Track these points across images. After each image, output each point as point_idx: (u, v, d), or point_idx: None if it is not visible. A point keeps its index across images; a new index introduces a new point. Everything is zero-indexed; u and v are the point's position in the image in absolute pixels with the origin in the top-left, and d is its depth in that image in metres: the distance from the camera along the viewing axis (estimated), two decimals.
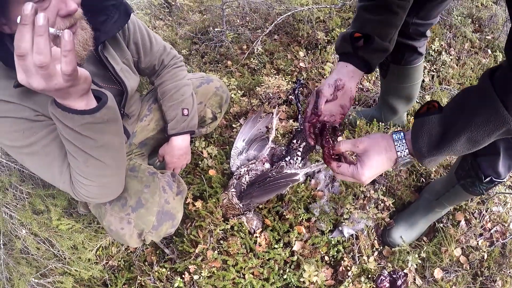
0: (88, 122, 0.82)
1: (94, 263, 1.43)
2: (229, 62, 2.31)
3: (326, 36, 2.32)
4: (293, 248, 1.46)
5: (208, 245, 1.46)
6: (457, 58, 2.26)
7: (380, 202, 1.56)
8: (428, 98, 1.99)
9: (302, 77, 2.12)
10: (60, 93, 0.73)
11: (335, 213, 1.53)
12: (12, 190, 1.27)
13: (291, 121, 1.89)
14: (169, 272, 1.45)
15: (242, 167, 1.58)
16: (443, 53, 2.23)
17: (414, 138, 0.77)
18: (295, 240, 1.47)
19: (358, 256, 1.45)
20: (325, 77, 2.09)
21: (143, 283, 1.43)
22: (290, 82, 2.09)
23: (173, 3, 3.01)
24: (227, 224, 1.49)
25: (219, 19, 2.61)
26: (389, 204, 1.55)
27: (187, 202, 1.55)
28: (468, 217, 1.56)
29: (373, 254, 1.46)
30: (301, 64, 2.21)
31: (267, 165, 1.59)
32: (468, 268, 1.45)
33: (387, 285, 1.38)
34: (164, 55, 1.37)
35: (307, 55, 2.26)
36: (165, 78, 1.39)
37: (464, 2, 2.57)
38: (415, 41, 1.36)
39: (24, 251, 1.30)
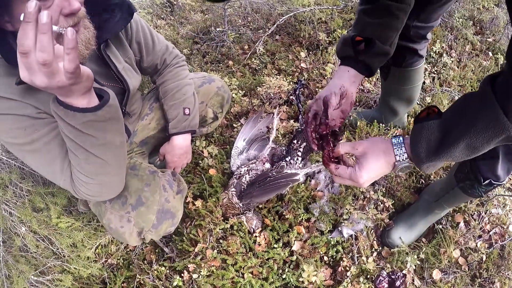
0: (90, 120, 0.82)
1: (93, 261, 1.44)
2: (231, 62, 2.31)
3: (327, 37, 2.32)
4: (293, 248, 1.46)
5: (207, 244, 1.46)
6: (458, 60, 2.27)
7: (380, 203, 1.56)
8: (428, 100, 1.99)
9: (303, 78, 2.12)
10: (62, 90, 0.73)
11: (335, 214, 1.54)
12: (12, 188, 1.27)
13: (291, 121, 1.90)
14: (168, 271, 1.45)
15: (243, 166, 1.58)
16: (444, 55, 2.23)
17: (413, 143, 0.77)
18: (294, 240, 1.47)
19: (357, 257, 1.45)
20: (326, 77, 2.09)
21: (142, 282, 1.43)
22: (291, 83, 2.10)
23: (175, 3, 3.01)
24: (226, 223, 1.49)
25: (220, 19, 2.61)
26: (389, 205, 1.55)
27: (187, 201, 1.55)
28: (467, 219, 1.56)
29: (372, 255, 1.46)
30: (302, 65, 2.21)
31: (268, 165, 1.59)
32: (467, 270, 1.45)
33: (386, 285, 1.38)
34: (166, 54, 1.38)
35: (308, 55, 2.27)
36: (167, 77, 1.40)
37: (466, 4, 2.57)
38: (416, 44, 1.37)
39: (23, 249, 1.31)
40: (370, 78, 2.14)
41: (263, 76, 2.13)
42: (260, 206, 1.56)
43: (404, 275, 1.41)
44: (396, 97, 1.63)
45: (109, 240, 1.50)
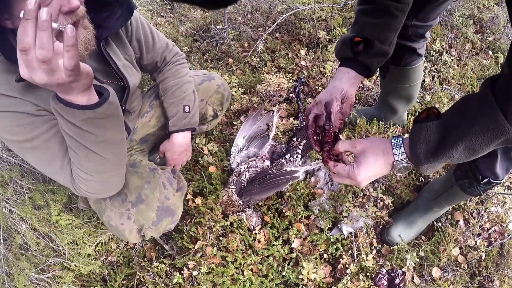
0: (89, 117, 0.82)
1: (94, 258, 1.44)
2: (231, 60, 2.31)
3: (327, 35, 2.32)
4: (292, 245, 1.47)
5: (207, 241, 1.46)
6: (458, 58, 2.27)
7: (379, 200, 1.56)
8: (428, 98, 1.99)
9: (303, 76, 2.12)
10: (62, 88, 0.73)
11: (334, 211, 1.54)
12: (12, 185, 1.28)
13: (291, 119, 1.90)
14: (168, 268, 1.46)
15: (242, 164, 1.58)
16: (444, 53, 2.23)
17: (412, 143, 0.77)
18: (294, 237, 1.48)
19: (357, 254, 1.45)
20: (325, 75, 2.09)
21: (142, 279, 1.44)
22: (291, 80, 2.10)
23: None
24: (226, 220, 1.49)
25: (220, 16, 2.61)
26: (388, 203, 1.55)
27: (187, 198, 1.55)
28: (466, 217, 1.57)
29: (371, 252, 1.47)
30: (302, 63, 2.21)
31: (267, 163, 1.59)
32: (466, 268, 1.46)
33: (385, 283, 1.39)
34: (167, 52, 1.37)
35: (308, 53, 2.27)
36: (167, 75, 1.40)
37: (466, 3, 2.57)
38: (415, 43, 1.36)
39: (23, 247, 1.31)
40: None
41: (263, 74, 2.13)
42: (260, 203, 1.57)
43: (404, 273, 1.41)
44: (395, 96, 1.63)
45: (109, 237, 1.50)
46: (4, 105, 0.87)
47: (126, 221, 1.15)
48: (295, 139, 1.65)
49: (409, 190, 1.61)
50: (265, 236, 1.50)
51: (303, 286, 1.39)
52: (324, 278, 1.40)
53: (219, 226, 1.48)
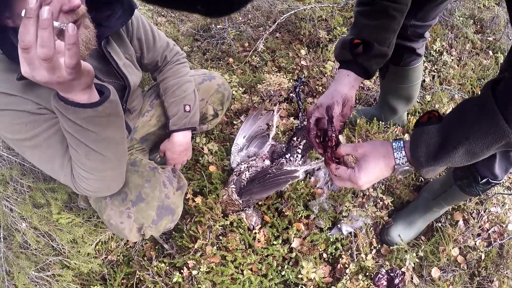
0: (90, 116, 0.82)
1: (94, 257, 1.44)
2: (231, 59, 2.31)
3: (328, 35, 2.32)
4: (292, 245, 1.47)
5: (207, 240, 1.46)
6: (458, 58, 2.27)
7: (379, 200, 1.57)
8: (428, 98, 1.99)
9: (303, 75, 2.12)
10: (63, 86, 0.73)
11: (334, 211, 1.54)
12: (13, 184, 1.28)
13: (291, 118, 1.90)
14: (168, 267, 1.46)
15: (242, 163, 1.58)
16: (444, 53, 2.23)
17: (413, 147, 0.77)
18: (293, 237, 1.48)
19: (356, 254, 1.45)
20: (326, 75, 2.09)
21: (141, 278, 1.44)
22: (291, 80, 2.10)
23: None
24: (226, 220, 1.49)
25: None
26: (388, 203, 1.55)
27: (187, 197, 1.55)
28: (466, 217, 1.57)
29: (371, 252, 1.47)
30: (303, 62, 2.21)
31: (267, 162, 1.59)
32: (466, 268, 1.46)
33: (385, 283, 1.39)
34: (167, 51, 1.38)
35: (308, 53, 2.27)
36: (167, 74, 1.40)
37: (466, 3, 2.57)
38: (414, 43, 1.36)
39: (23, 245, 1.31)
40: None
41: (263, 74, 2.13)
42: (260, 203, 1.57)
43: (403, 273, 1.41)
44: (395, 96, 1.63)
45: (109, 236, 1.50)
46: (4, 103, 0.88)
47: (126, 220, 1.15)
48: (295, 138, 1.65)
49: (408, 190, 1.61)
50: (264, 236, 1.50)
51: (303, 286, 1.39)
52: (323, 277, 1.41)
53: (219, 226, 1.49)
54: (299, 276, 1.39)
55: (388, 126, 1.78)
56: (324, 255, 1.47)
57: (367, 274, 1.42)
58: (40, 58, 0.64)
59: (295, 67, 2.20)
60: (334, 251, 1.46)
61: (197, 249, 1.45)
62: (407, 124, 1.84)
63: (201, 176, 1.65)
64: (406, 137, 1.81)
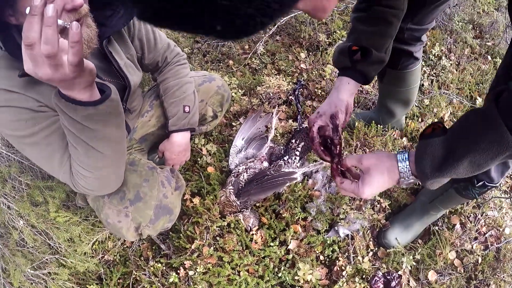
0: (91, 114, 0.83)
1: (90, 256, 1.44)
2: (231, 62, 2.32)
3: (327, 38, 2.33)
4: (289, 247, 1.47)
5: (204, 241, 1.46)
6: (457, 63, 2.28)
7: (376, 203, 1.57)
8: (427, 102, 2.00)
9: (302, 78, 2.13)
10: (65, 83, 0.74)
11: (331, 213, 1.54)
12: (11, 181, 1.28)
13: (290, 121, 1.91)
14: (164, 268, 1.46)
15: (241, 165, 1.59)
16: (443, 58, 2.25)
17: (418, 160, 0.76)
18: (290, 239, 1.48)
19: (353, 256, 1.46)
20: (325, 78, 2.10)
21: (138, 278, 1.44)
22: (290, 83, 2.11)
23: None
24: (224, 221, 1.50)
25: None
26: (385, 206, 1.56)
27: (185, 198, 1.56)
28: (463, 221, 1.57)
29: (368, 255, 1.47)
30: (302, 66, 2.22)
31: (266, 164, 1.60)
32: (462, 272, 1.46)
33: (381, 286, 1.39)
34: (168, 52, 1.38)
35: (308, 56, 2.28)
36: (167, 75, 1.40)
37: (466, 8, 2.59)
38: (411, 46, 1.37)
39: (20, 243, 1.31)
40: None
41: (263, 76, 2.14)
42: (257, 204, 1.57)
43: (400, 276, 1.42)
44: (393, 99, 1.63)
45: (106, 236, 1.50)
46: (5, 100, 0.88)
47: (123, 219, 1.15)
48: (293, 141, 1.65)
49: (406, 193, 1.62)
50: (262, 237, 1.50)
51: None
52: (320, 280, 1.41)
53: (216, 226, 1.49)
54: (296, 278, 1.39)
55: (386, 129, 1.79)
56: (321, 257, 1.47)
57: (364, 276, 1.42)
58: (44, 55, 0.65)
59: (295, 70, 2.21)
60: (331, 253, 1.46)
61: (194, 249, 1.45)
62: (405, 128, 1.85)
63: (199, 177, 1.66)
64: (404, 140, 1.81)
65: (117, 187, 1.11)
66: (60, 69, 0.69)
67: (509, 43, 0.84)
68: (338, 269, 1.43)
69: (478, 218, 1.57)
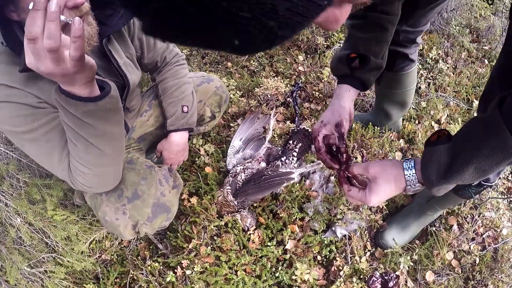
0: (91, 110, 0.84)
1: (87, 255, 1.44)
2: (229, 64, 2.34)
3: (325, 41, 2.35)
4: (286, 247, 1.47)
5: (201, 241, 1.46)
6: (453, 66, 2.30)
7: None
8: (424, 104, 2.02)
9: (300, 81, 2.15)
10: (66, 78, 0.75)
11: (329, 213, 1.55)
12: (9, 179, 1.28)
13: (288, 122, 1.92)
14: (161, 267, 1.46)
15: (238, 165, 1.59)
16: (440, 61, 2.27)
17: (424, 167, 0.77)
18: (288, 239, 1.48)
19: (351, 257, 1.46)
20: (323, 80, 2.12)
21: (135, 277, 1.43)
22: (288, 85, 2.12)
23: None
24: (221, 220, 1.50)
25: None
26: (383, 207, 1.56)
27: (182, 198, 1.56)
28: (460, 222, 1.58)
29: (365, 255, 1.47)
30: (300, 68, 2.24)
31: (263, 164, 1.60)
32: (460, 272, 1.46)
33: (379, 286, 1.39)
34: (167, 52, 1.40)
35: (306, 59, 2.30)
36: (166, 75, 1.42)
37: (463, 12, 2.62)
38: (406, 48, 1.38)
39: (17, 241, 1.31)
40: None
41: (261, 78, 2.16)
42: (255, 204, 1.57)
43: (397, 276, 1.41)
44: (390, 101, 1.64)
45: (104, 235, 1.50)
46: (5, 95, 0.89)
47: (121, 217, 1.16)
48: (291, 142, 1.66)
49: (403, 194, 1.62)
50: (259, 237, 1.50)
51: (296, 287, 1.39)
52: (317, 280, 1.40)
53: (214, 226, 1.49)
54: (293, 277, 1.39)
55: (383, 131, 1.80)
56: (318, 258, 1.47)
57: (361, 277, 1.42)
58: (46, 49, 0.66)
59: (293, 73, 2.22)
60: (328, 253, 1.46)
61: (192, 249, 1.45)
62: (402, 130, 1.86)
63: (197, 177, 1.66)
64: (401, 142, 1.82)
65: (115, 184, 1.12)
66: (61, 64, 0.70)
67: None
68: (336, 269, 1.43)
69: (475, 219, 1.58)
